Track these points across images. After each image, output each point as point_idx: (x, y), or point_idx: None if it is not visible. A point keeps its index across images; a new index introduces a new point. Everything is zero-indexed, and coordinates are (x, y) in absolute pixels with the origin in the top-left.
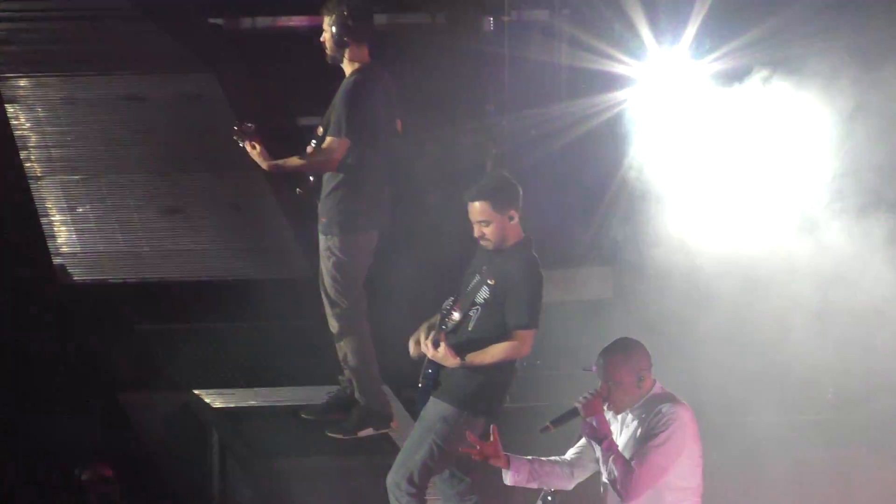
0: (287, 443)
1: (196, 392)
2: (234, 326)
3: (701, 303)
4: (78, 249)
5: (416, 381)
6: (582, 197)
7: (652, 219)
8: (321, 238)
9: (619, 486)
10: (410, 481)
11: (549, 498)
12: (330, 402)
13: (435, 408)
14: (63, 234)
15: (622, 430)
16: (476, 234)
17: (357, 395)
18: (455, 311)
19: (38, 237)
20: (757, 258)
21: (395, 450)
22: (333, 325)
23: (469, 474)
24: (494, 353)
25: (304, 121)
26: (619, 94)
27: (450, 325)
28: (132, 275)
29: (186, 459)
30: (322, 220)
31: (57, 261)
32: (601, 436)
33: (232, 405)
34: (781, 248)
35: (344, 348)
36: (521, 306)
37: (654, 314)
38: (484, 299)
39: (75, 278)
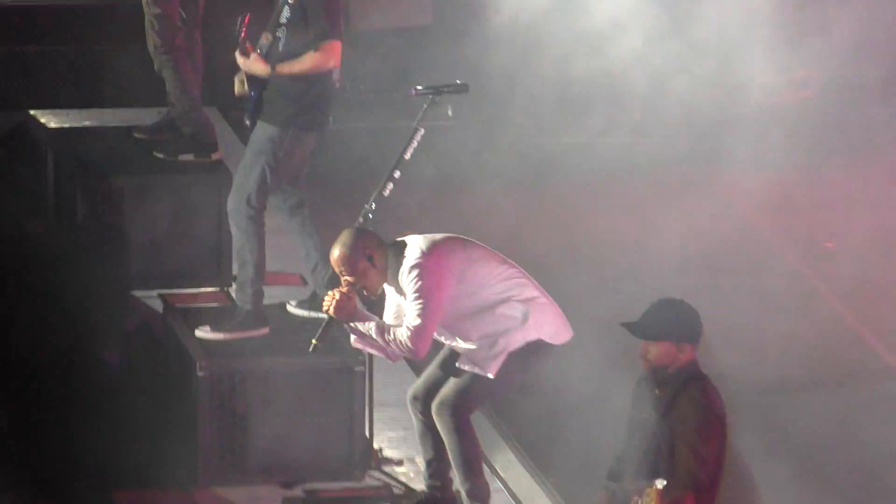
0: (120, 161)
1: (32, 112)
2: (71, 50)
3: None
4: None
5: (242, 104)
6: None
7: None
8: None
9: (407, 353)
10: (248, 203)
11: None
12: (160, 123)
13: (262, 130)
14: None
15: (387, 301)
16: None
17: (178, 123)
18: (265, 36)
19: None
20: None
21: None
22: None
23: (298, 185)
24: (302, 63)
25: None
26: None
27: (263, 49)
28: None
29: (23, 177)
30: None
31: None
32: (370, 330)
33: (66, 125)
34: None
35: (168, 85)
36: (320, 19)
37: (473, 42)
38: (287, 19)
39: None
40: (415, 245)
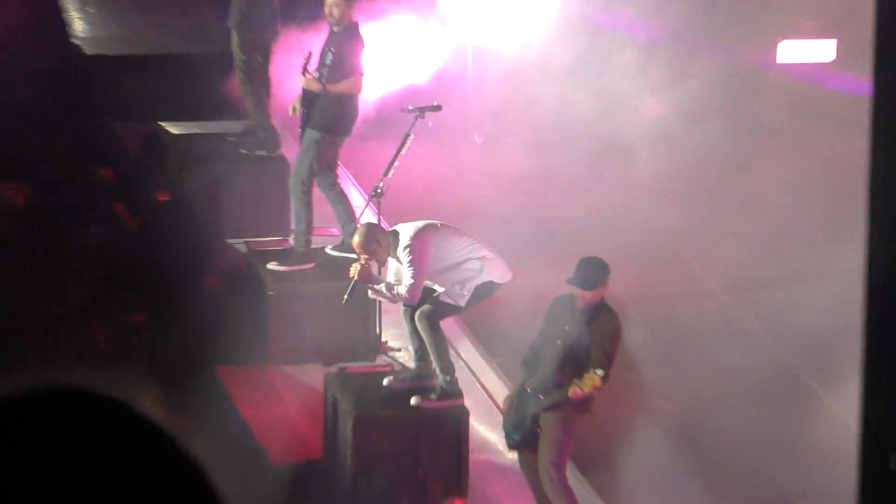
0: (218, 155)
1: (161, 123)
2: (187, 83)
3: None
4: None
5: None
6: None
7: None
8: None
9: (405, 301)
10: (301, 182)
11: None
12: (244, 130)
13: (310, 134)
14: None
15: (390, 268)
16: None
17: (255, 131)
18: (317, 69)
19: None
20: None
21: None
22: None
23: (333, 171)
24: (340, 86)
25: None
26: None
27: (316, 75)
28: None
29: (156, 164)
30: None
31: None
32: (381, 288)
33: (183, 132)
34: None
35: None
36: (351, 61)
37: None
38: (330, 59)
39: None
40: (406, 232)
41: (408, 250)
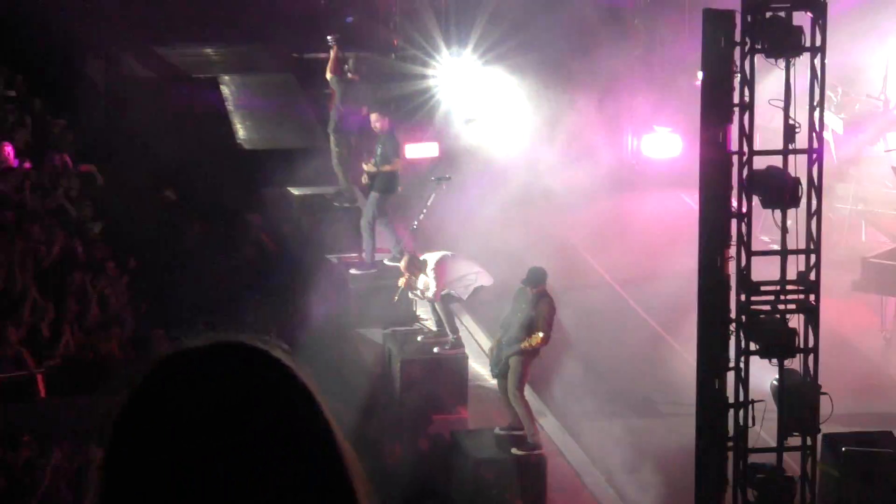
0: (321, 206)
1: (289, 188)
2: (309, 164)
3: None
4: None
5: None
6: None
7: None
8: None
9: (431, 299)
10: (369, 221)
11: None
12: (336, 192)
13: (373, 194)
14: None
15: (421, 279)
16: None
17: (344, 193)
18: (372, 156)
19: None
20: None
21: None
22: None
23: (386, 215)
24: (388, 166)
25: None
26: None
27: (372, 160)
28: None
29: (283, 214)
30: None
31: None
32: (417, 293)
33: (300, 193)
34: None
35: None
36: (396, 151)
37: None
38: (381, 149)
39: None
40: (431, 259)
41: (433, 271)
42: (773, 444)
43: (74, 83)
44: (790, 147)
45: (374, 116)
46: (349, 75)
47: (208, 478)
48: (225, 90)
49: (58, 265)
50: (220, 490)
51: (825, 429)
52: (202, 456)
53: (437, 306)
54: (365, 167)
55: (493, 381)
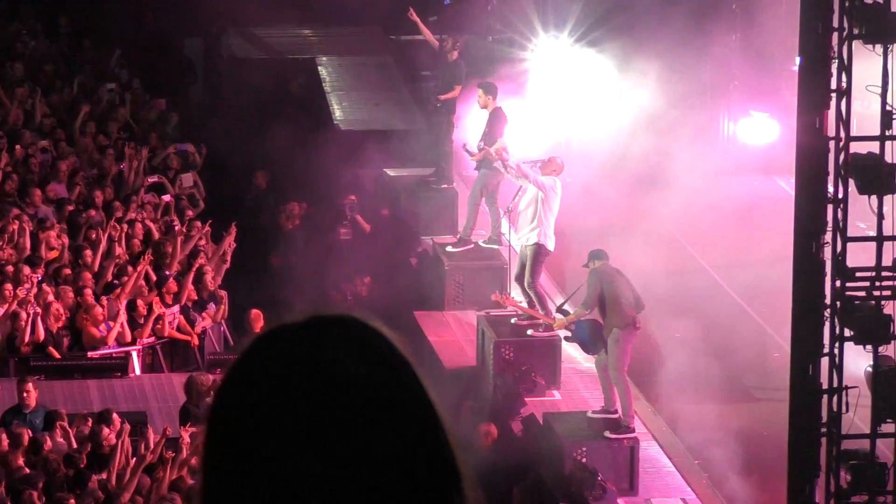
0: (418, 187)
1: (385, 169)
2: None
3: None
4: None
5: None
6: None
7: None
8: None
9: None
10: (474, 197)
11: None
12: (433, 172)
13: (481, 173)
14: None
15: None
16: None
17: (442, 174)
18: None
19: None
20: None
21: None
22: None
23: (493, 194)
24: (494, 147)
25: None
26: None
27: (479, 145)
28: None
29: (378, 191)
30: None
31: None
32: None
33: (396, 174)
34: None
35: None
36: (495, 133)
37: None
38: (484, 134)
39: None
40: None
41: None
42: (867, 430)
43: (174, 64)
44: (887, 133)
45: (479, 93)
46: (450, 55)
47: (310, 450)
48: (322, 71)
49: (158, 243)
50: (324, 461)
51: None
52: (302, 427)
53: (528, 289)
54: (467, 147)
55: (587, 365)
